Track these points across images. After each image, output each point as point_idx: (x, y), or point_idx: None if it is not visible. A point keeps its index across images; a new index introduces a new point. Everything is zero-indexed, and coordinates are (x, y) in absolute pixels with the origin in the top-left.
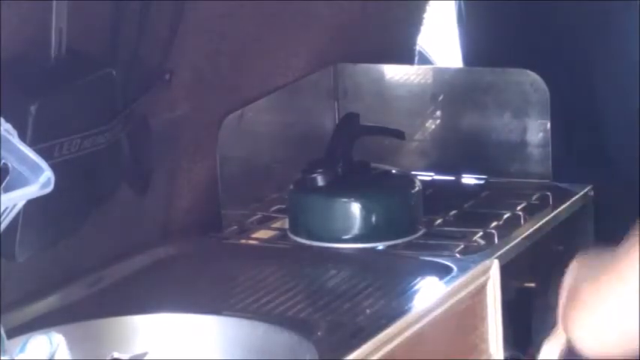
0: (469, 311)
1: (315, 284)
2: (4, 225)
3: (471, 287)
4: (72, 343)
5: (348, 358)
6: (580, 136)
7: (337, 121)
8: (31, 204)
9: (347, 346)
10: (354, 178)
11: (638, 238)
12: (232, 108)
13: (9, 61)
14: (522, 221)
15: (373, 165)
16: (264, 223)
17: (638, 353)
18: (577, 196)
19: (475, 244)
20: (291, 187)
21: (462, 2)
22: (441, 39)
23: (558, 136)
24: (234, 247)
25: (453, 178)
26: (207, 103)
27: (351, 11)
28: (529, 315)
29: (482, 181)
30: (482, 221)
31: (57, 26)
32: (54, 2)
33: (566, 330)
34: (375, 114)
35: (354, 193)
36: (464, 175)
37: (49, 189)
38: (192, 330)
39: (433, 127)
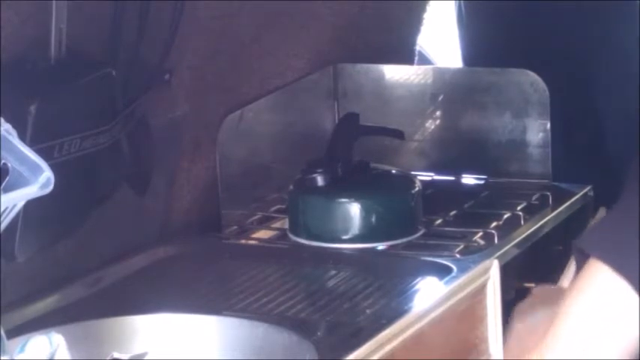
0: (469, 311)
1: (315, 284)
2: (4, 225)
3: (471, 287)
4: (72, 343)
5: (348, 358)
6: (580, 136)
7: (337, 121)
8: (31, 204)
9: (347, 346)
10: (354, 178)
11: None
12: (232, 108)
13: (9, 61)
14: (522, 221)
15: (373, 165)
16: (264, 223)
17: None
18: (577, 196)
19: (475, 244)
20: (291, 187)
21: (462, 2)
22: (441, 39)
23: (558, 136)
24: (234, 247)
25: (453, 178)
26: (207, 103)
27: (351, 11)
28: None
29: (482, 181)
30: (483, 221)
31: (57, 26)
32: (54, 2)
33: None
34: (375, 114)
35: (354, 193)
36: (464, 175)
37: (49, 189)
38: (192, 330)
39: (433, 127)
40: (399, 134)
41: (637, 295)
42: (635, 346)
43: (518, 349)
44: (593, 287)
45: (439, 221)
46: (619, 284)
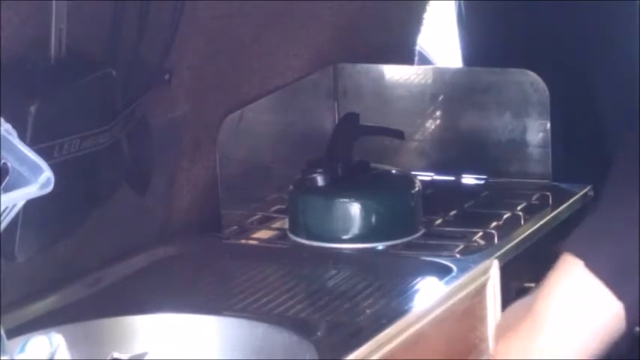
0: (469, 311)
1: (315, 284)
2: (4, 225)
3: (471, 287)
4: (72, 343)
5: (348, 358)
6: (580, 136)
7: (337, 121)
8: (31, 204)
9: (347, 346)
10: (354, 178)
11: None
12: (232, 108)
13: (9, 61)
14: (522, 221)
15: (373, 165)
16: (264, 223)
17: None
18: (577, 196)
19: (475, 244)
20: (291, 187)
21: (462, 2)
22: (441, 39)
23: (558, 136)
24: (234, 247)
25: (453, 178)
26: (207, 103)
27: (351, 11)
28: None
29: (482, 181)
30: (483, 221)
31: (57, 26)
32: (54, 2)
33: None
34: (375, 114)
35: (354, 193)
36: (464, 175)
37: (49, 189)
38: (192, 330)
39: (433, 127)
40: (399, 134)
41: (609, 291)
42: (602, 342)
43: (499, 328)
44: (565, 282)
45: (439, 221)
46: (590, 279)
